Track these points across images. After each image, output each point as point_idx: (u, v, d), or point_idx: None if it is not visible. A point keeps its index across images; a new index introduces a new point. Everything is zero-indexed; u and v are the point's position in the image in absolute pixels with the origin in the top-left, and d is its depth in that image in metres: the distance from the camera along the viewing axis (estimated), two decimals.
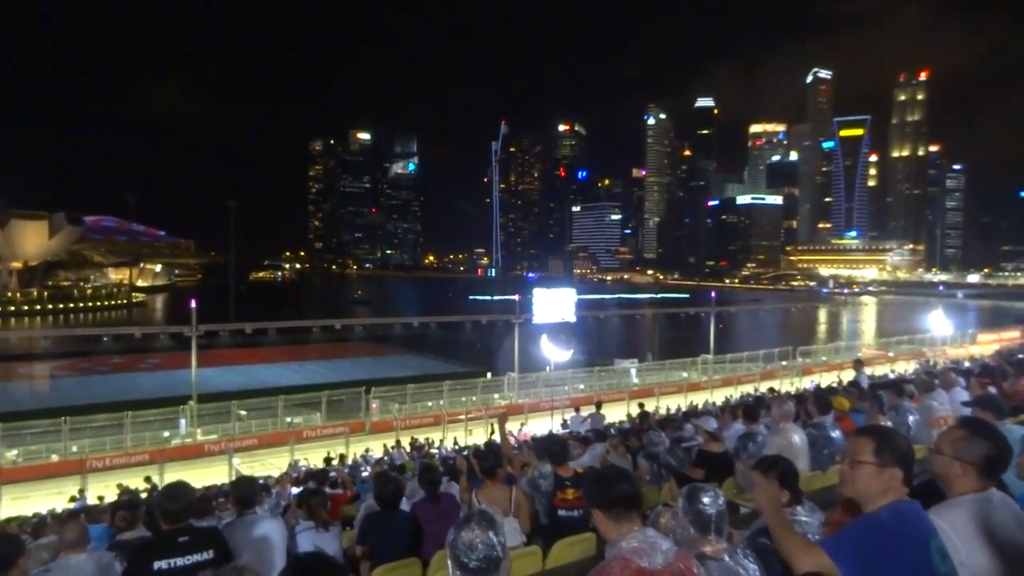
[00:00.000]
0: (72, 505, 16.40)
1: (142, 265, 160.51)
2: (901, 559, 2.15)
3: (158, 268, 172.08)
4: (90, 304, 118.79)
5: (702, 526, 3.07)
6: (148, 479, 20.02)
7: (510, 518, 5.21)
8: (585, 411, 22.11)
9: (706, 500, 3.11)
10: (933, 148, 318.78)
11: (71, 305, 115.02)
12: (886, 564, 2.18)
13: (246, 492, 5.10)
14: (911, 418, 7.28)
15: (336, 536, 5.66)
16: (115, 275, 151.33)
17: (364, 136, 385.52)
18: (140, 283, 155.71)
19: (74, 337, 61.97)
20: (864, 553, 2.25)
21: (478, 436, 26.98)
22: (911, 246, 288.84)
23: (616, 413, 25.93)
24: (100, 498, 18.23)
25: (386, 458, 21.51)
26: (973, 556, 2.40)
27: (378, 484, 6.10)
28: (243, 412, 29.72)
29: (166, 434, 28.11)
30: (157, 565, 3.84)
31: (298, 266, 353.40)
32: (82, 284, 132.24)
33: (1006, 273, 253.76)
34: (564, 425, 24.26)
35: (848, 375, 24.03)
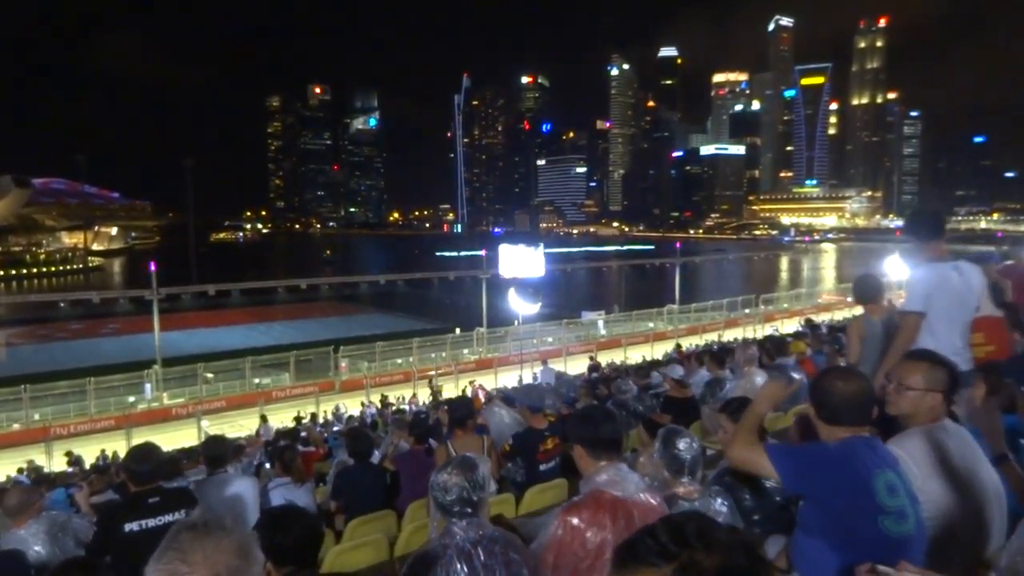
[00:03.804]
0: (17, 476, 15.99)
1: (97, 228, 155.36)
2: (841, 490, 2.18)
3: (114, 231, 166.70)
4: (44, 270, 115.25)
5: (676, 468, 3.16)
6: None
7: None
8: (553, 364, 22.37)
9: (681, 445, 3.19)
10: (891, 95, 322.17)
11: (24, 271, 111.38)
12: (824, 488, 2.22)
13: (217, 451, 5.08)
14: None
15: (310, 491, 5.68)
16: (69, 239, 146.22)
17: (323, 91, 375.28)
18: (96, 247, 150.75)
19: (29, 303, 60.08)
20: (801, 468, 2.30)
21: (449, 392, 27.17)
22: (869, 193, 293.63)
23: (583, 365, 26.29)
24: (74, 461, 18.03)
25: (358, 415, 21.61)
26: (929, 483, 2.47)
27: (351, 439, 6.13)
28: (210, 375, 29.43)
29: (131, 399, 27.74)
30: (128, 527, 3.77)
31: (260, 226, 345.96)
32: (34, 249, 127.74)
33: (959, 218, 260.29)
34: (533, 379, 24.50)
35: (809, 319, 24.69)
